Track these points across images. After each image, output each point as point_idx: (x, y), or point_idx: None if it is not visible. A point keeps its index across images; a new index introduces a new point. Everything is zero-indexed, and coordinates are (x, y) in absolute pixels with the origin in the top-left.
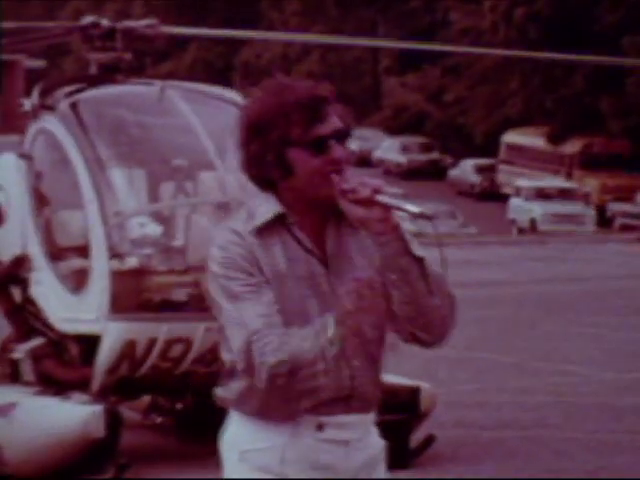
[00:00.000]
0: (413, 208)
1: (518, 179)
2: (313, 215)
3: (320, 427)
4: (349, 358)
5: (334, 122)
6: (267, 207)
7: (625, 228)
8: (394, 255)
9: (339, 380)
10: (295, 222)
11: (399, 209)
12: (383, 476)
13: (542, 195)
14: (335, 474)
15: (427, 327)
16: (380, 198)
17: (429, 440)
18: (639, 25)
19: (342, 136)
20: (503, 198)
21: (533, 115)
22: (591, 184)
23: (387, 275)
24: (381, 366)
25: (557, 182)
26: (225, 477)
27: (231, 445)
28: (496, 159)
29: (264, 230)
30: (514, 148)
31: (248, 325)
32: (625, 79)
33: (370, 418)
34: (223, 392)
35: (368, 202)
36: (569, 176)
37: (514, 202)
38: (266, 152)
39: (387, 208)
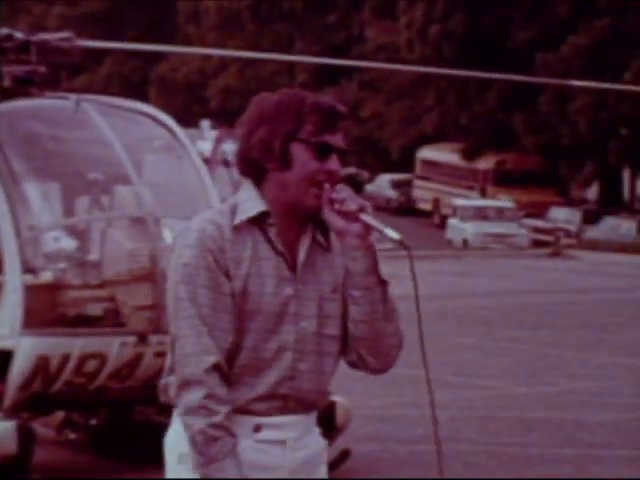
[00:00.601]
0: (393, 234)
1: (455, 199)
2: (291, 220)
3: (257, 429)
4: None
5: (340, 139)
6: (253, 204)
7: (537, 244)
8: (362, 272)
9: (276, 381)
10: (274, 224)
11: (379, 231)
12: (324, 476)
13: (478, 215)
14: (273, 474)
15: (377, 352)
16: (364, 217)
17: (344, 454)
18: (551, 43)
19: (342, 154)
20: (419, 213)
21: (448, 131)
22: (504, 200)
23: (350, 291)
24: (330, 367)
25: (493, 202)
26: (166, 479)
27: (171, 447)
28: (412, 174)
29: (243, 225)
30: (429, 163)
31: (193, 359)
32: (537, 97)
33: (310, 418)
34: (167, 390)
35: (352, 216)
36: (483, 192)
37: (451, 222)
38: (273, 139)
39: (368, 227)
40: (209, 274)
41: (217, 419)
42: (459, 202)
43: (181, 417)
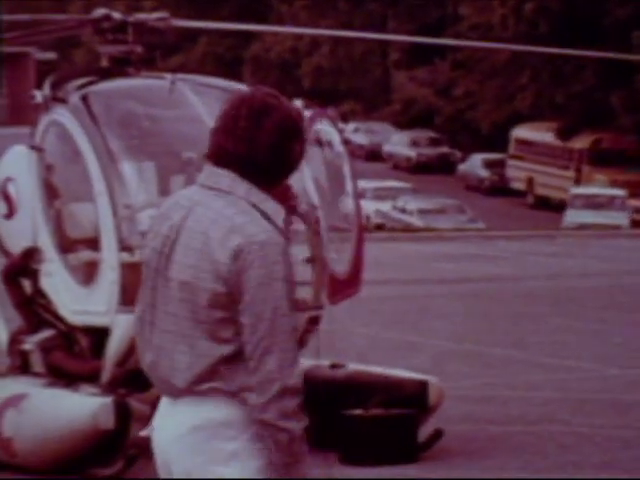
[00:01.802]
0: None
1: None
2: None
3: None
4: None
5: None
6: (277, 209)
7: (636, 224)
8: None
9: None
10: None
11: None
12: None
13: (592, 204)
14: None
15: None
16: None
17: (437, 434)
18: None
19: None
20: (512, 193)
21: (543, 110)
22: (601, 180)
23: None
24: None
25: (604, 190)
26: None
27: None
28: (505, 154)
29: None
30: (523, 143)
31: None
32: (635, 74)
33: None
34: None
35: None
36: (578, 172)
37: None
38: (293, 151)
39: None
40: (294, 290)
41: (305, 423)
42: (576, 190)
43: (275, 421)
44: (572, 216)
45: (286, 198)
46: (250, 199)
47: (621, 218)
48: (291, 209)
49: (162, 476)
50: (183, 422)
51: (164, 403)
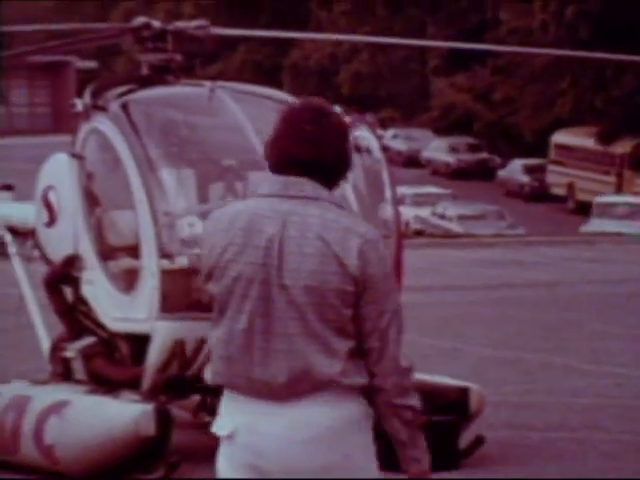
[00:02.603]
0: None
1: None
2: None
3: None
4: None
5: None
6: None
7: None
8: None
9: None
10: None
11: None
12: None
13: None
14: None
15: None
16: None
17: (478, 441)
18: None
19: None
20: (553, 199)
21: (583, 115)
22: None
23: None
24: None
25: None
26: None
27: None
28: (545, 159)
29: None
30: (564, 148)
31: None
32: None
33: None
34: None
35: None
36: (620, 177)
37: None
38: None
39: None
40: None
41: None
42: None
43: (401, 401)
44: (593, 225)
45: None
46: (334, 201)
47: None
48: None
49: (251, 473)
50: (317, 422)
51: (260, 406)
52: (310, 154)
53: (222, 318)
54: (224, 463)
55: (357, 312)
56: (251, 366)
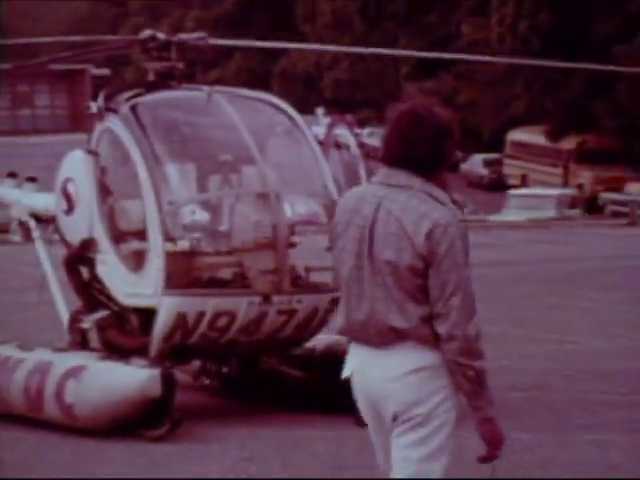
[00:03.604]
0: None
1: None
2: None
3: None
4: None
5: None
6: (444, 195)
7: (615, 214)
8: None
9: None
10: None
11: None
12: None
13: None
14: None
15: None
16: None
17: None
18: (629, 36)
19: None
20: (509, 188)
21: (535, 115)
22: (585, 176)
23: None
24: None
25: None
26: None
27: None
28: (502, 154)
29: None
30: (518, 144)
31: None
32: (616, 84)
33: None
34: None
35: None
36: (565, 169)
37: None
38: (453, 149)
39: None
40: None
41: (485, 362)
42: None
43: (463, 360)
44: (506, 214)
45: (446, 186)
46: (425, 189)
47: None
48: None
49: (364, 407)
50: (400, 365)
51: (364, 352)
52: (406, 152)
53: (339, 282)
54: (356, 397)
55: (426, 283)
56: (354, 321)
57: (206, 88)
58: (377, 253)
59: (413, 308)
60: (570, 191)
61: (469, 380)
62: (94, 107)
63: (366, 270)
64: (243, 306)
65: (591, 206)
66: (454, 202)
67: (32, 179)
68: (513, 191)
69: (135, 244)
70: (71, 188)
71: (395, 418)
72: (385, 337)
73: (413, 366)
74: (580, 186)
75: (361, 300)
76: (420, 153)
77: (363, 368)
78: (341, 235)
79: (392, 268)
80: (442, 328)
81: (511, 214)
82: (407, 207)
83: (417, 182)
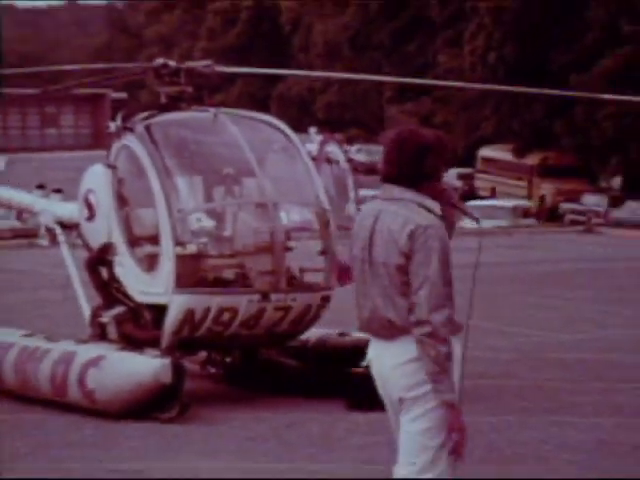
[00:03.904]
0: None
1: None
2: None
3: None
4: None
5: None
6: (434, 204)
7: (573, 222)
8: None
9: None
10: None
11: (467, 213)
12: None
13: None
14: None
15: None
16: (461, 205)
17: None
18: (584, 66)
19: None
20: (480, 199)
21: (502, 135)
22: (547, 188)
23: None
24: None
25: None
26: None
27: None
28: (474, 169)
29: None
30: (488, 160)
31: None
32: (574, 107)
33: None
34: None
35: (455, 206)
36: (530, 182)
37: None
38: (439, 165)
39: (462, 210)
40: (447, 258)
41: (450, 349)
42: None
43: (427, 341)
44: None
45: (443, 196)
46: (416, 200)
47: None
48: (449, 203)
49: (380, 391)
50: (400, 355)
51: (377, 344)
52: (394, 171)
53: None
54: (375, 381)
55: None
56: (363, 317)
57: (212, 110)
58: (375, 258)
59: (402, 302)
60: (525, 202)
61: (432, 360)
62: (113, 126)
63: (368, 273)
64: (244, 303)
65: (552, 215)
66: (469, 215)
67: (58, 190)
68: (472, 202)
69: (148, 248)
70: (92, 198)
71: (401, 401)
72: (388, 330)
73: (412, 355)
74: (542, 197)
75: (366, 299)
76: (405, 171)
77: (377, 357)
78: (353, 245)
79: (385, 268)
80: (414, 316)
81: (469, 222)
82: (397, 215)
83: (409, 194)
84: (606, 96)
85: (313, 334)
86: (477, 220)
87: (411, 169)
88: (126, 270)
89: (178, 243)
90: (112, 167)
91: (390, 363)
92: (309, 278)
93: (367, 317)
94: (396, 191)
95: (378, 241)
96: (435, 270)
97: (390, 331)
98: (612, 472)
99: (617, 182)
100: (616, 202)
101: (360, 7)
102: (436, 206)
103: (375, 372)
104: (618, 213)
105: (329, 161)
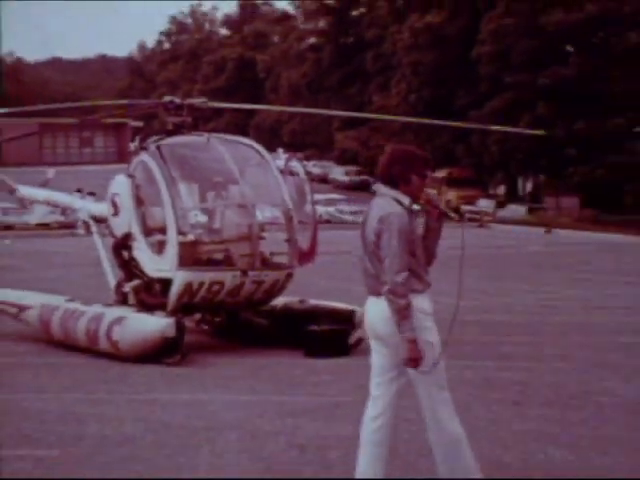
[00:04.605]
0: (450, 212)
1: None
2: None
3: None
4: None
5: (430, 171)
6: (405, 198)
7: (471, 220)
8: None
9: None
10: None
11: (441, 209)
12: None
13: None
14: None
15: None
16: (439, 205)
17: (359, 340)
18: (479, 105)
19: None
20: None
21: None
22: (452, 194)
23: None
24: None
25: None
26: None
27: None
28: None
29: (407, 209)
30: None
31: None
32: (471, 136)
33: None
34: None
35: (434, 204)
36: (440, 190)
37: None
38: (406, 171)
39: (439, 208)
40: (405, 236)
41: (409, 301)
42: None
43: (390, 297)
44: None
45: (418, 195)
46: (392, 195)
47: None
48: (432, 205)
49: (371, 337)
50: (385, 309)
51: (371, 300)
52: (380, 175)
53: None
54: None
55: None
56: (364, 279)
57: (206, 134)
58: (366, 237)
59: (381, 270)
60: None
61: (394, 311)
62: (132, 147)
63: (364, 251)
64: (229, 278)
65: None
66: (457, 212)
67: (92, 193)
68: None
69: (158, 236)
70: (117, 199)
71: (379, 338)
72: (374, 288)
73: (388, 310)
74: (448, 201)
75: (367, 269)
76: (387, 176)
77: (370, 309)
78: (361, 228)
79: (371, 247)
80: (382, 278)
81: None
82: (378, 206)
83: (390, 191)
84: (494, 127)
85: (280, 301)
86: (463, 217)
87: (386, 174)
88: (142, 253)
89: (180, 233)
90: (131, 177)
91: (380, 316)
92: (277, 259)
93: (367, 282)
94: (382, 189)
95: (367, 225)
96: (394, 245)
97: (375, 288)
98: None
99: (502, 190)
100: (501, 205)
101: (315, 61)
102: (407, 200)
103: (368, 322)
104: (502, 213)
105: (292, 173)
